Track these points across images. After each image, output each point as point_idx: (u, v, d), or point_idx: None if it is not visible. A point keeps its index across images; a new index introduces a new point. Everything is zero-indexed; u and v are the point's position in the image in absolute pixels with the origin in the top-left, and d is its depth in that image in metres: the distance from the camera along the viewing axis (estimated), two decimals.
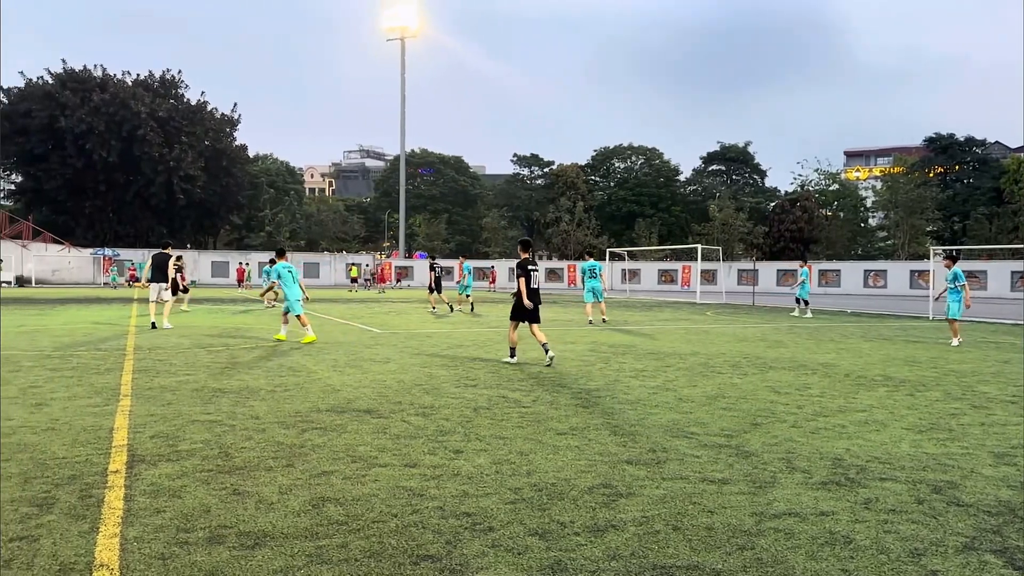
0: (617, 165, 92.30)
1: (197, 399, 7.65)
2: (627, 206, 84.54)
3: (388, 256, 75.66)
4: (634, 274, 62.99)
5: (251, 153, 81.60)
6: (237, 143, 74.22)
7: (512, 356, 11.13)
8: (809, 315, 23.87)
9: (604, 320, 19.85)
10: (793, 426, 6.74)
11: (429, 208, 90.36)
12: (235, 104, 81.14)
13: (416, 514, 4.20)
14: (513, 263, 67.69)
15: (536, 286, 11.05)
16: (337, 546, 3.73)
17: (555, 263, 72.92)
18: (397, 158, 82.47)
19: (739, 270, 62.20)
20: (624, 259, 58.00)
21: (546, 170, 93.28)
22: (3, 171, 67.60)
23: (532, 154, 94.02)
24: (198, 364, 10.37)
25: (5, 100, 63.79)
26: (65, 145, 61.57)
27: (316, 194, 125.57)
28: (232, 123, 73.16)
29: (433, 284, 25.51)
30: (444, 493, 4.58)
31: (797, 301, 24.38)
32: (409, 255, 78.93)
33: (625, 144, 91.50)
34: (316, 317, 20.76)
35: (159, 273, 16.42)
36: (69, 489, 4.53)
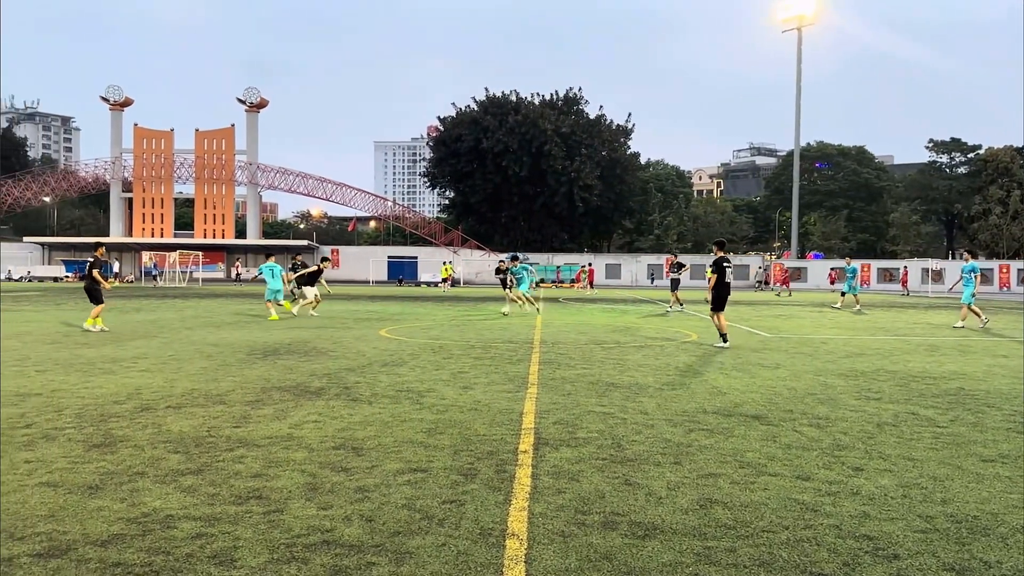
0: None
1: (592, 391, 8.20)
2: None
3: (779, 257, 72.52)
4: None
5: (643, 160, 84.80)
6: (630, 151, 77.78)
7: (724, 341, 12.80)
8: None
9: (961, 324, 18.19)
10: None
11: (825, 204, 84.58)
12: (629, 114, 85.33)
13: (809, 529, 3.97)
14: (930, 262, 60.36)
15: (728, 280, 13.02)
16: (725, 549, 3.69)
17: (983, 262, 62.93)
18: (790, 153, 78.62)
19: None
20: None
21: (970, 156, 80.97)
22: (440, 188, 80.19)
23: (953, 138, 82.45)
24: (593, 359, 11.10)
25: (441, 128, 75.58)
26: (486, 163, 70.81)
27: (704, 196, 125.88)
28: (626, 133, 76.90)
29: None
30: (841, 511, 4.25)
31: None
32: (802, 255, 74.79)
33: None
34: (702, 319, 20.75)
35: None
36: (488, 463, 5.20)
